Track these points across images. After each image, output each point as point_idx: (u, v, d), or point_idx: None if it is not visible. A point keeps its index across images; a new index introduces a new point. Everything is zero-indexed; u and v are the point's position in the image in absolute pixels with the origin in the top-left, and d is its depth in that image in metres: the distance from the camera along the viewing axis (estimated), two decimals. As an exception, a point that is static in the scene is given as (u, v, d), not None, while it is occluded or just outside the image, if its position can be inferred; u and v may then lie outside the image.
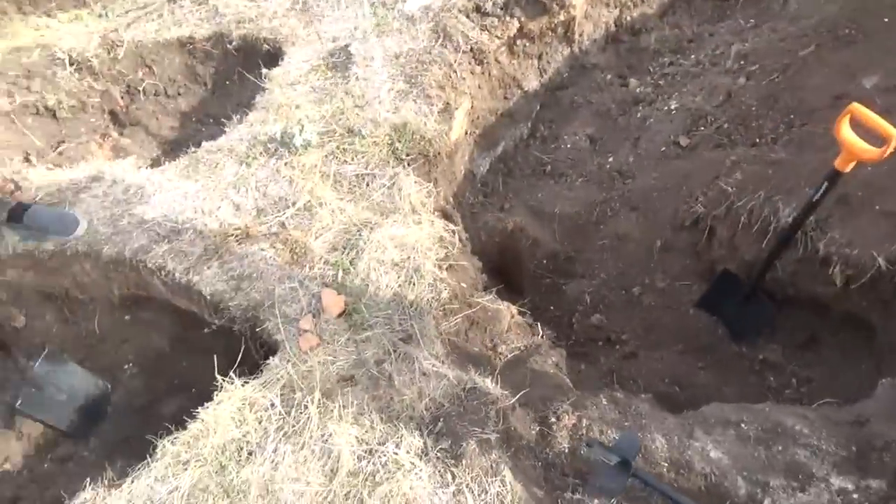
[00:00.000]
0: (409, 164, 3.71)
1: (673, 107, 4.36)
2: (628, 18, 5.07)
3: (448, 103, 4.12)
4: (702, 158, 3.84)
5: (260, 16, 4.79)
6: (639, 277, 3.84)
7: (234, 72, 4.93)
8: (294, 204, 3.36)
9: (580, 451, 2.36)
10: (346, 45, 4.40)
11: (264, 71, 4.34)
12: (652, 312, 3.74)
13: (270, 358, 2.70)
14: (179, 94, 4.99)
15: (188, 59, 4.97)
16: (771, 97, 3.73)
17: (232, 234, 3.18)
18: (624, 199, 4.10)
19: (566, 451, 2.48)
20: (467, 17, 4.54)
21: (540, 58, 4.88)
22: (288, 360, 2.65)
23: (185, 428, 2.46)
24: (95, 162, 3.78)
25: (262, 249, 3.12)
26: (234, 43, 4.74)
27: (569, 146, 4.80)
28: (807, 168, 3.18)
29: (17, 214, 3.12)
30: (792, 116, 3.54)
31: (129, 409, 3.24)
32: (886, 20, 3.48)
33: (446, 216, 3.66)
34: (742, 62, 4.11)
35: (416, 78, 4.16)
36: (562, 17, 4.66)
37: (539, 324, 3.25)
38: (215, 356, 2.91)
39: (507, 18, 4.58)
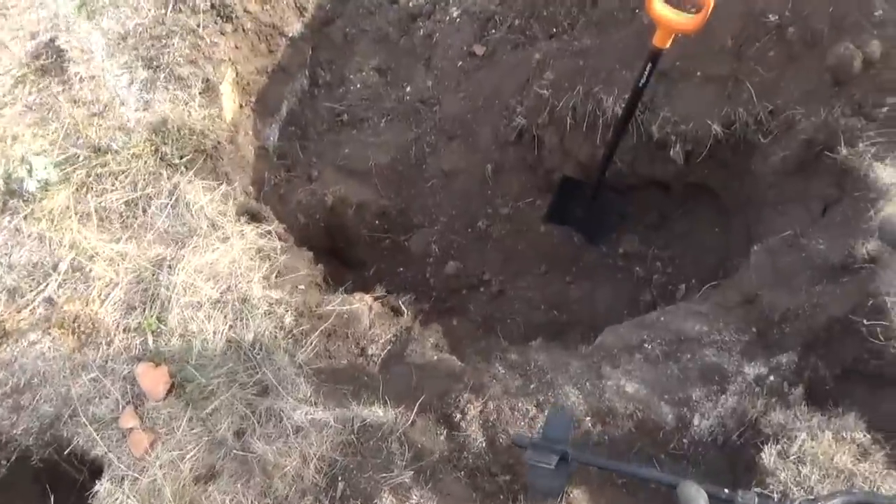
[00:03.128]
0: (186, 169, 3.04)
1: (455, 14, 3.97)
2: (374, -74, 4.51)
3: (207, 79, 3.41)
4: (505, 64, 3.54)
5: (-84, 29, 3.61)
6: (480, 209, 3.56)
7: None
8: (56, 268, 2.59)
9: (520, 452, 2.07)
10: (52, 40, 3.44)
11: (-51, 101, 3.29)
12: (504, 242, 3.52)
13: (97, 483, 2.07)
14: None
15: None
16: (553, -19, 3.46)
17: (-17, 338, 2.39)
18: (437, 130, 3.73)
19: (484, 446, 2.19)
20: (192, -33, 3.74)
21: (294, -5, 4.22)
22: (122, 478, 2.05)
23: None
24: None
25: (34, 343, 2.38)
26: None
27: (358, 86, 4.29)
28: (616, 49, 2.99)
29: None
30: (580, -2, 3.31)
31: None
32: None
33: (253, 215, 3.08)
34: (510, -50, 3.79)
35: (158, 58, 3.38)
36: (302, -58, 4.01)
37: (401, 302, 2.87)
38: None
39: (241, -42, 3.84)
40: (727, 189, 2.94)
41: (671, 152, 2.79)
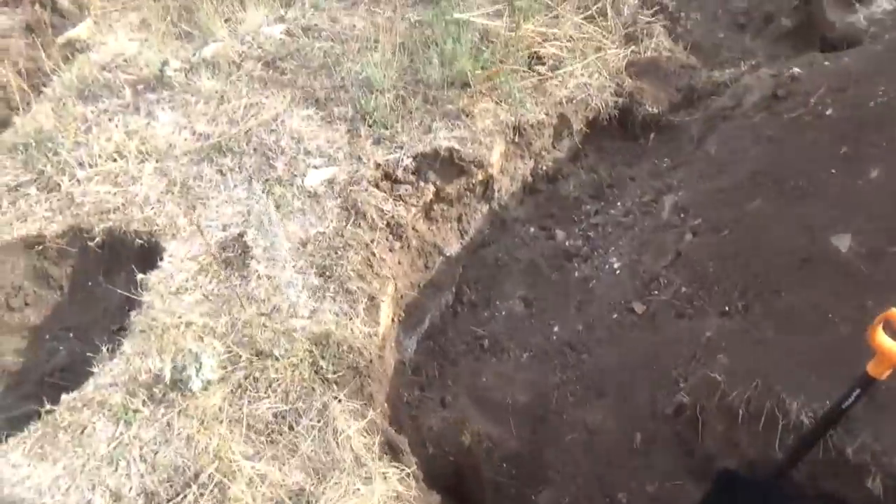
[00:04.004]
0: (337, 386, 3.02)
1: (616, 266, 3.99)
2: (543, 168, 4.78)
3: (372, 296, 3.50)
4: (667, 331, 3.43)
5: (129, 203, 4.02)
6: (621, 479, 3.27)
7: (98, 271, 4.08)
8: (197, 477, 2.53)
9: None
10: (241, 235, 3.71)
11: (139, 277, 3.53)
12: (647, 523, 3.16)
13: None
14: (27, 305, 4.03)
15: (37, 260, 4.06)
16: (727, 257, 3.43)
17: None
18: (585, 380, 3.59)
19: None
20: (377, 186, 4.03)
21: (459, 220, 4.43)
22: None
23: None
24: None
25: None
26: (96, 239, 3.91)
27: (503, 313, 4.29)
28: (803, 350, 2.82)
29: None
30: (759, 281, 3.22)
31: None
32: (834, 171, 3.32)
33: (392, 447, 2.96)
34: (682, 215, 3.84)
35: (331, 268, 3.53)
36: (480, 177, 4.27)
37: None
38: None
39: (422, 184, 4.12)
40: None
41: (868, 482, 2.48)
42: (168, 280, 3.49)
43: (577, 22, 5.41)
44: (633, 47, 5.37)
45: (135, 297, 3.39)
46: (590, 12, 5.50)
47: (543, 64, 5.07)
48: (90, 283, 4.11)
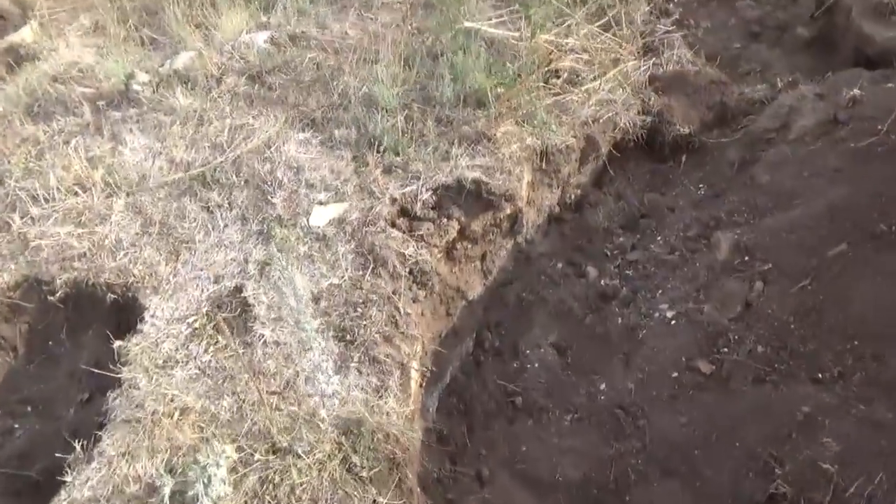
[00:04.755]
0: (375, 486, 2.46)
1: (668, 314, 3.52)
2: (571, 197, 4.28)
3: (403, 363, 2.94)
4: (746, 398, 2.98)
5: (96, 248, 3.36)
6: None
7: (60, 330, 3.40)
8: None
9: None
10: (238, 288, 3.11)
11: (116, 345, 2.89)
12: None
13: None
14: (-28, 372, 3.33)
15: (-17, 317, 3.36)
16: (811, 311, 3.00)
17: None
18: (647, 454, 3.11)
19: None
20: (393, 225, 3.47)
21: (483, 258, 3.90)
22: None
23: None
24: None
25: None
26: (58, 293, 3.24)
27: (535, 365, 3.77)
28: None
29: None
30: (855, 343, 2.80)
31: None
32: (932, 215, 2.94)
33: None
34: (746, 258, 3.40)
35: (353, 331, 2.97)
36: (508, 211, 3.74)
37: None
38: None
39: (444, 221, 3.57)
40: None
41: None
42: (153, 349, 2.86)
43: (591, 31, 4.94)
44: (653, 59, 4.91)
45: (114, 375, 2.75)
46: (604, 20, 5.04)
47: (559, 77, 4.58)
48: (50, 344, 3.42)
